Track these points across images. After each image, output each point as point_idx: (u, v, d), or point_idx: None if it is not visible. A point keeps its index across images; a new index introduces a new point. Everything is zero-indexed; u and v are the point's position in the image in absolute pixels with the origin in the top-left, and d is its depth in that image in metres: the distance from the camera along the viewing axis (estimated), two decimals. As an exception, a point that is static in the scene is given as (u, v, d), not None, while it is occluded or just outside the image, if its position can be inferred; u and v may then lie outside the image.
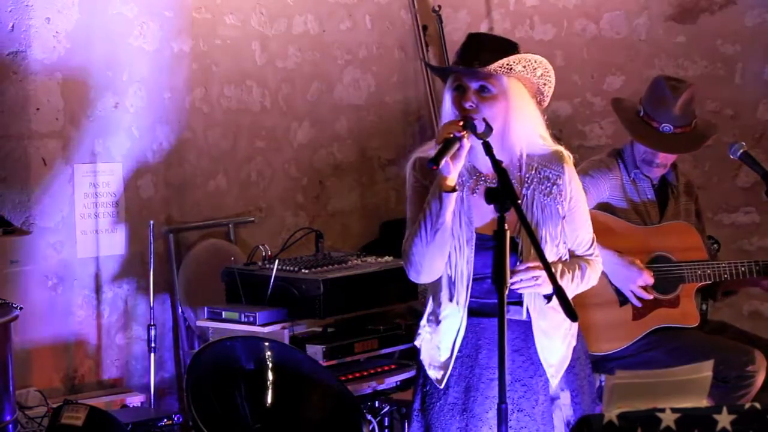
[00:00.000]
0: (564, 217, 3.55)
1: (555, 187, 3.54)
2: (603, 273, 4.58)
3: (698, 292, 4.80)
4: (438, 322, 3.56)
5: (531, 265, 3.40)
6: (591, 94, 6.34)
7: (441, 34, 6.57)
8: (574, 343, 3.63)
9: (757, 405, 3.20)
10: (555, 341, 3.57)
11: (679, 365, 3.30)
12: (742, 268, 4.67)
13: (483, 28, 6.61)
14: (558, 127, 6.35)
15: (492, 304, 3.44)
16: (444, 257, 3.45)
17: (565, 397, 3.60)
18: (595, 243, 3.68)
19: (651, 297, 4.60)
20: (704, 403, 3.30)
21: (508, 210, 3.17)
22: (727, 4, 5.95)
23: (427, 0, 6.64)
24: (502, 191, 3.19)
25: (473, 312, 3.52)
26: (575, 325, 3.61)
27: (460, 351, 3.54)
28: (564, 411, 3.60)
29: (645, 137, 4.68)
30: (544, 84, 3.60)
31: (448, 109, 3.50)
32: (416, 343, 3.63)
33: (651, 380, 3.29)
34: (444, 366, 3.56)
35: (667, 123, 4.68)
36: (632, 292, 4.58)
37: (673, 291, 4.67)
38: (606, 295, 4.61)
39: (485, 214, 3.49)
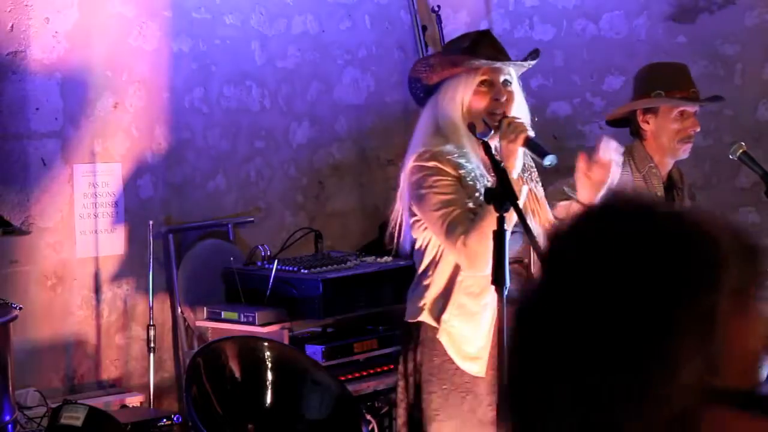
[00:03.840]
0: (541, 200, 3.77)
1: (535, 174, 3.77)
2: None
3: None
4: (472, 314, 3.55)
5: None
6: (591, 95, 6.34)
7: (440, 35, 6.56)
8: None
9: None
10: None
11: None
12: None
13: (482, 29, 6.60)
14: (557, 128, 6.35)
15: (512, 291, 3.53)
16: None
17: None
18: None
19: None
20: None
21: (507, 210, 3.19)
22: (727, 4, 5.95)
23: (426, 0, 6.64)
24: (502, 191, 3.20)
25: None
26: None
27: (496, 339, 3.51)
28: None
29: (686, 98, 4.72)
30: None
31: (469, 104, 3.56)
32: (441, 338, 3.58)
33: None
34: (480, 357, 3.55)
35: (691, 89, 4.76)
36: None
37: None
38: None
39: None
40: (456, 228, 3.45)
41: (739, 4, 5.91)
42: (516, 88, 3.64)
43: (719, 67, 5.95)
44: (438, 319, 3.58)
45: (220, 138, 5.83)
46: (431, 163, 3.52)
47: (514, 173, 3.45)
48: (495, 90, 3.56)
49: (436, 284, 3.60)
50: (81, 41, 5.28)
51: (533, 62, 3.70)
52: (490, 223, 3.32)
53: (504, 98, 3.56)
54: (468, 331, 3.55)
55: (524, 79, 3.83)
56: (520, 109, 3.64)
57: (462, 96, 3.57)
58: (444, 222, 3.48)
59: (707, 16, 6.01)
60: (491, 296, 3.48)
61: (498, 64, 3.60)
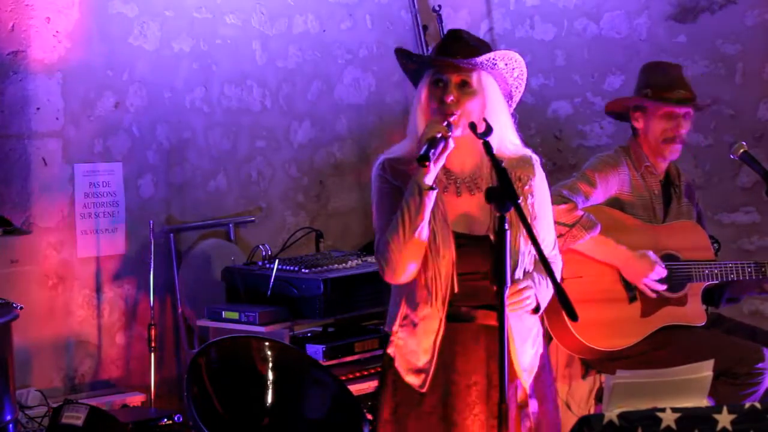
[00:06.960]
0: (535, 219, 3.54)
1: (526, 188, 3.53)
2: (614, 269, 4.62)
3: (701, 295, 4.81)
4: (414, 325, 3.49)
5: (520, 287, 3.40)
6: (591, 94, 6.34)
7: (441, 34, 6.56)
8: (541, 349, 3.59)
9: (757, 405, 3.21)
10: (527, 346, 3.54)
11: (689, 363, 3.32)
12: (749, 269, 4.70)
13: (483, 28, 6.60)
14: (558, 127, 6.35)
15: (466, 308, 3.47)
16: (420, 256, 3.42)
17: (533, 405, 3.55)
18: (557, 243, 3.68)
19: (664, 287, 4.61)
20: (704, 402, 3.30)
21: (508, 210, 3.17)
22: (727, 3, 5.95)
23: (427, 0, 6.64)
24: (502, 191, 3.20)
25: (448, 317, 3.47)
26: (541, 330, 3.62)
27: (439, 354, 3.47)
28: (531, 419, 3.55)
29: (670, 99, 4.76)
30: (516, 87, 3.60)
31: (424, 103, 3.49)
32: (389, 351, 3.54)
33: (651, 380, 3.29)
34: (424, 370, 3.49)
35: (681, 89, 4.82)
36: (646, 285, 4.61)
37: (681, 289, 4.71)
38: (615, 291, 4.63)
39: (457, 212, 3.49)
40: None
41: (739, 3, 5.91)
42: (488, 94, 3.45)
43: (720, 67, 5.95)
44: (392, 330, 3.55)
45: (221, 138, 5.84)
46: (379, 174, 3.55)
47: (428, 180, 3.36)
48: (446, 90, 3.43)
49: (394, 293, 3.58)
50: (82, 41, 5.28)
51: (479, 60, 3.43)
52: (397, 232, 3.34)
53: (450, 99, 3.40)
54: (413, 344, 3.50)
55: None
56: (494, 118, 3.44)
57: (420, 93, 3.50)
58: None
59: (708, 16, 6.00)
60: (429, 309, 3.45)
61: (426, 58, 3.50)
